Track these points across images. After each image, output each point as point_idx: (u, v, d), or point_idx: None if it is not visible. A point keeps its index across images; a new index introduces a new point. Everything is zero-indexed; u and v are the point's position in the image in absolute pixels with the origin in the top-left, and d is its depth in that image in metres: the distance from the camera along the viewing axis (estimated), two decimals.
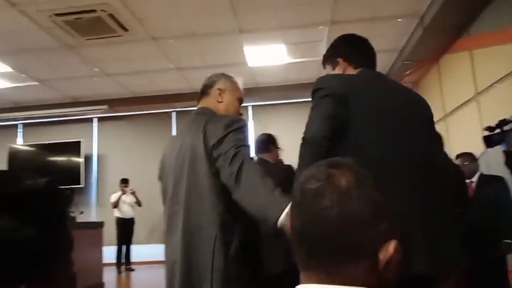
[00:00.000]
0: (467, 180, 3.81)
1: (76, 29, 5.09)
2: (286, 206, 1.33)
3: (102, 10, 4.67)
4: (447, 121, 6.12)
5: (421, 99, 1.63)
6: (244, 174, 1.48)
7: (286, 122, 7.53)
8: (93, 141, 8.93)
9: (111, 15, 4.81)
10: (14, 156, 8.55)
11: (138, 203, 7.61)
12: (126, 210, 7.60)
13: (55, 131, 8.82)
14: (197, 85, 1.96)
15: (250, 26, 5.38)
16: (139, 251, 7.74)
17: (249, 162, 1.54)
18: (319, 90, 1.44)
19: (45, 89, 7.41)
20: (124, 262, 7.55)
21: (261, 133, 3.46)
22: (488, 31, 4.67)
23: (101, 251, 6.09)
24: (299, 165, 1.37)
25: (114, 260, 7.41)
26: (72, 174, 8.28)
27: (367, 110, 1.39)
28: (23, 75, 6.67)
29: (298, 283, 0.68)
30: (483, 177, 3.84)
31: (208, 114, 1.75)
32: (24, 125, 9.06)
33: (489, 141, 3.38)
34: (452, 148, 4.09)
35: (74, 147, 8.48)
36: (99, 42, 5.56)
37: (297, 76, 7.28)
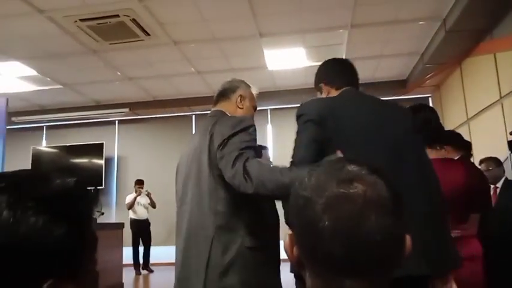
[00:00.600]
0: (492, 186, 3.73)
1: (100, 33, 5.21)
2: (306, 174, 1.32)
3: (125, 15, 4.77)
4: (470, 125, 6.01)
5: (401, 111, 1.73)
6: (251, 168, 1.47)
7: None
8: (114, 143, 9.09)
9: (134, 20, 4.90)
10: (38, 158, 8.77)
11: (153, 204, 7.64)
12: (140, 212, 7.63)
13: (77, 133, 9.01)
14: (217, 89, 1.99)
15: (270, 29, 5.40)
16: (157, 253, 7.81)
17: (253, 159, 1.52)
18: (301, 116, 1.59)
19: (69, 93, 7.59)
20: (143, 264, 7.61)
21: None
22: None
23: (121, 252, 6.17)
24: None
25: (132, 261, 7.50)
26: (93, 175, 8.44)
27: (344, 128, 1.53)
28: (48, 79, 6.84)
29: None
30: (508, 183, 3.75)
31: (219, 116, 1.77)
32: (48, 127, 9.27)
33: None
34: (476, 153, 4.00)
35: (96, 149, 8.64)
36: (122, 47, 5.67)
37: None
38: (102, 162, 8.61)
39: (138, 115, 8.78)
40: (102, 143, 8.67)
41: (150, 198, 7.63)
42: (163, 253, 7.79)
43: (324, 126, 1.53)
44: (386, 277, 0.63)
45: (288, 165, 1.54)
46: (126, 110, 8.26)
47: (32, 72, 6.47)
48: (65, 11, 4.67)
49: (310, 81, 7.40)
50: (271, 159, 4.78)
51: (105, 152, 8.67)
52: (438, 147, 1.94)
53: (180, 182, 1.79)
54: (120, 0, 4.50)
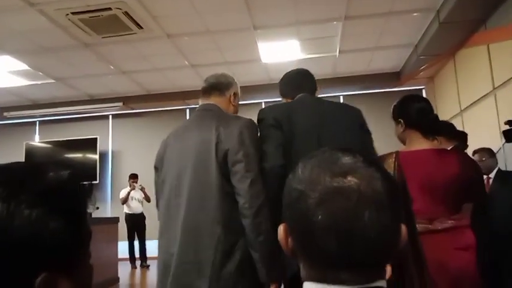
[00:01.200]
0: (485, 176, 3.76)
1: (92, 27, 5.16)
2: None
3: (118, 8, 4.72)
4: (463, 116, 6.04)
5: (348, 110, 2.01)
6: (252, 201, 1.61)
7: None
8: (109, 138, 9.04)
9: (127, 13, 4.85)
10: (31, 153, 8.70)
11: (147, 198, 7.61)
12: (135, 206, 7.60)
13: (71, 128, 8.95)
14: (208, 79, 1.98)
15: (264, 22, 5.38)
16: (152, 246, 7.80)
17: (256, 182, 1.63)
18: (262, 120, 1.84)
19: (62, 87, 7.52)
20: (139, 258, 7.60)
21: None
22: (506, 25, 4.59)
23: (116, 246, 6.17)
24: (268, 194, 1.63)
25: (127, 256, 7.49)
26: (87, 170, 8.40)
27: (294, 129, 1.77)
28: (40, 73, 6.78)
29: None
30: (501, 173, 3.79)
31: (217, 112, 1.81)
32: (41, 122, 9.21)
33: (509, 136, 3.34)
34: (469, 144, 4.03)
35: (90, 144, 8.59)
36: (114, 40, 5.62)
37: (311, 72, 7.24)
38: (96, 157, 8.57)
39: (132, 109, 8.74)
40: (96, 138, 8.62)
41: (144, 193, 7.61)
42: (157, 247, 7.79)
43: (280, 128, 1.77)
44: (381, 268, 0.63)
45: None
46: (120, 104, 8.22)
47: (24, 66, 6.41)
48: (57, 4, 4.61)
49: None
50: None
51: (99, 147, 8.62)
52: (431, 138, 1.96)
53: (170, 173, 1.76)
54: None
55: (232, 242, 1.61)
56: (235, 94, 1.93)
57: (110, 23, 5.05)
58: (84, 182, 7.93)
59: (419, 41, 6.08)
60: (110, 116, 9.06)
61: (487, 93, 5.18)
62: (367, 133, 1.95)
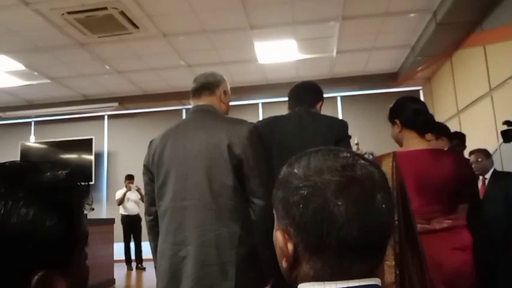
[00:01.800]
0: (481, 177, 3.76)
1: (87, 26, 5.13)
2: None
3: (113, 7, 4.70)
4: (460, 117, 6.05)
5: (327, 123, 2.18)
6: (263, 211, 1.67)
7: None
8: (104, 138, 9.00)
9: (122, 13, 4.83)
10: (26, 154, 8.65)
11: (143, 199, 7.56)
12: (131, 207, 7.56)
13: (66, 128, 8.91)
14: (198, 79, 1.96)
15: (261, 21, 5.36)
16: (148, 248, 7.75)
17: (268, 187, 1.68)
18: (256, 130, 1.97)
19: (57, 87, 7.48)
20: (135, 260, 7.57)
21: None
22: (502, 26, 4.59)
23: (112, 248, 6.14)
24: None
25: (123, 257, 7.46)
26: (83, 171, 8.35)
27: (276, 140, 1.97)
28: (35, 73, 6.73)
29: None
30: (497, 174, 3.79)
31: (218, 114, 1.83)
32: (36, 122, 9.16)
33: (506, 136, 3.34)
34: (466, 144, 4.04)
35: (85, 145, 8.55)
36: (110, 40, 5.59)
37: (308, 72, 7.24)
38: (91, 157, 8.53)
39: (128, 109, 8.70)
40: (92, 138, 8.57)
41: (141, 194, 7.55)
42: None
43: (267, 140, 1.95)
44: (383, 259, 0.67)
45: None
46: (116, 104, 8.18)
47: (19, 66, 6.37)
48: (52, 3, 4.58)
49: (301, 74, 7.43)
50: None
51: (95, 147, 8.58)
52: (428, 138, 1.96)
53: (174, 177, 1.72)
54: None
55: (248, 241, 1.65)
56: (225, 92, 1.92)
57: (106, 23, 5.02)
58: (82, 183, 7.88)
59: (416, 42, 6.09)
60: (106, 116, 9.02)
61: (484, 94, 5.18)
62: (344, 145, 2.07)
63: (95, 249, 5.43)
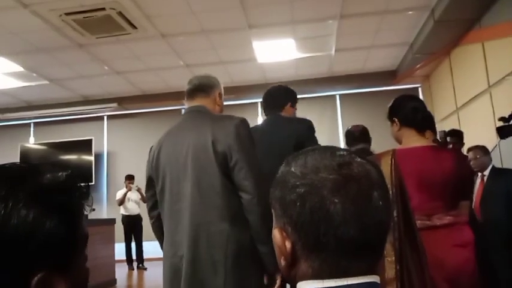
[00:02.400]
0: (479, 174, 3.77)
1: (86, 27, 5.13)
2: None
3: (112, 8, 4.70)
4: (459, 114, 6.06)
5: (287, 126, 2.28)
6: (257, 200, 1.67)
7: None
8: (104, 139, 9.00)
9: (120, 13, 4.82)
10: (26, 155, 8.65)
11: (144, 199, 7.56)
12: (131, 208, 7.56)
13: (66, 129, 8.90)
14: (193, 81, 1.98)
15: (259, 21, 5.36)
16: (149, 248, 7.77)
17: (261, 178, 1.69)
18: None
19: (56, 88, 7.48)
20: (136, 260, 7.57)
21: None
22: (501, 23, 4.60)
23: (113, 248, 6.15)
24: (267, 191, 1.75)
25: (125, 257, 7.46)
26: (83, 171, 8.35)
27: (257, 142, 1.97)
28: (34, 75, 6.73)
29: None
30: (496, 171, 3.79)
31: (208, 112, 1.84)
32: (36, 123, 9.15)
33: (502, 132, 3.34)
34: (465, 141, 4.04)
35: (85, 145, 8.55)
36: (109, 41, 5.59)
37: (307, 71, 7.25)
38: (91, 158, 8.53)
39: (127, 110, 8.70)
40: (91, 139, 8.57)
41: (141, 194, 7.56)
42: (155, 248, 7.76)
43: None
44: (381, 256, 0.68)
45: None
46: (115, 104, 8.18)
47: (18, 68, 6.37)
48: (50, 4, 4.58)
49: (300, 73, 7.43)
50: None
51: (95, 148, 8.58)
52: (427, 136, 1.98)
53: (169, 180, 1.76)
54: None
55: (239, 237, 1.66)
56: (220, 94, 1.95)
57: (104, 24, 5.02)
58: (82, 184, 7.89)
59: (414, 40, 6.09)
60: (105, 117, 9.01)
61: (483, 91, 5.19)
62: (307, 146, 2.10)
63: (96, 250, 5.43)
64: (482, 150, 3.88)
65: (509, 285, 3.07)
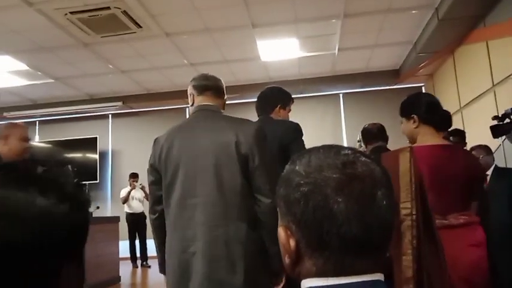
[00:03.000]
0: None
1: (91, 26, 5.15)
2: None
3: (116, 7, 4.72)
4: (463, 113, 6.04)
5: (272, 130, 2.19)
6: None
7: (299, 116, 7.51)
8: (108, 137, 9.04)
9: (125, 12, 4.85)
10: (31, 153, 8.67)
11: (147, 197, 7.56)
12: (135, 206, 7.60)
13: (71, 127, 8.95)
14: (210, 79, 2.00)
15: (263, 20, 5.37)
16: (153, 246, 7.77)
17: (275, 185, 1.76)
18: None
19: (61, 87, 7.52)
20: (140, 257, 7.60)
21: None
22: (505, 21, 4.58)
23: (117, 246, 6.18)
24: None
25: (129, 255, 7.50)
26: (88, 170, 8.40)
27: None
28: (39, 73, 6.77)
29: None
30: (499, 170, 3.79)
31: (223, 114, 1.89)
32: (41, 122, 9.20)
33: (495, 131, 3.34)
34: (468, 141, 4.03)
35: (90, 144, 8.60)
36: (113, 39, 5.61)
37: (310, 70, 7.26)
38: (96, 156, 8.57)
39: (132, 108, 8.73)
40: (96, 137, 8.62)
41: (145, 192, 7.58)
42: None
43: None
44: (384, 255, 0.66)
45: None
46: (120, 103, 8.21)
47: (23, 66, 6.40)
48: (55, 3, 4.61)
49: (303, 72, 7.43)
50: None
51: (99, 146, 8.62)
52: (440, 133, 1.96)
53: (182, 175, 1.75)
54: None
55: (254, 237, 1.70)
56: (225, 101, 2.00)
57: (109, 22, 5.05)
58: (84, 182, 7.96)
59: (418, 38, 6.08)
60: (110, 116, 9.05)
61: (487, 90, 5.17)
62: (293, 148, 2.12)
63: (100, 248, 5.47)
64: (485, 149, 3.88)
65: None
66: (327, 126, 8.04)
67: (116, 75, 7.09)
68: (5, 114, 8.44)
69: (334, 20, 5.45)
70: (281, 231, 0.68)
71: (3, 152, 2.63)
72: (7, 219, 0.54)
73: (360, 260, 0.63)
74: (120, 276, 6.15)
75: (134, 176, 7.63)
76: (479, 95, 5.42)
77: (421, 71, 7.08)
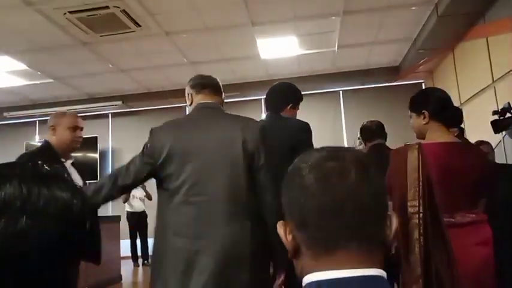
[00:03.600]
0: None
1: (90, 26, 5.15)
2: None
3: (115, 6, 4.71)
4: (463, 109, 6.03)
5: (288, 126, 2.32)
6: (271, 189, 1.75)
7: (298, 113, 7.50)
8: (108, 136, 9.04)
9: (124, 11, 4.84)
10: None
11: (148, 196, 7.58)
12: (136, 205, 7.59)
13: None
14: (212, 78, 2.01)
15: (262, 18, 5.36)
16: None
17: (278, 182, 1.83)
18: None
19: (61, 86, 7.52)
20: (141, 256, 7.61)
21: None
22: (505, 17, 4.57)
23: (118, 245, 6.18)
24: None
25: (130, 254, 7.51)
26: (88, 169, 8.40)
27: None
28: (39, 73, 6.77)
29: None
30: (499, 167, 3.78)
31: (226, 112, 1.90)
32: (41, 122, 9.19)
33: (495, 127, 3.33)
34: (469, 137, 4.03)
35: (90, 143, 8.58)
36: (113, 39, 5.61)
37: (310, 67, 7.25)
38: (96, 155, 8.58)
39: (132, 107, 8.73)
40: (96, 137, 8.61)
41: (145, 191, 7.60)
42: None
43: None
44: (377, 248, 0.66)
45: None
46: (119, 102, 8.21)
47: (22, 66, 6.40)
48: (54, 3, 4.60)
49: (303, 69, 7.42)
50: None
51: (99, 146, 8.63)
52: (452, 131, 1.95)
53: (187, 169, 1.72)
54: None
55: (259, 234, 1.71)
56: (222, 103, 2.02)
57: (108, 21, 5.04)
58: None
59: (418, 35, 6.07)
60: (110, 115, 9.05)
61: (487, 86, 5.17)
62: (301, 149, 2.15)
63: (102, 247, 5.46)
64: (485, 145, 3.87)
65: None
66: (327, 124, 8.03)
67: (115, 75, 7.09)
68: (5, 114, 8.44)
69: (333, 17, 5.44)
70: (280, 227, 0.70)
71: (54, 143, 2.55)
72: (38, 216, 0.55)
73: (344, 243, 0.63)
74: (121, 275, 6.16)
75: None
76: (479, 91, 5.41)
77: (421, 67, 7.08)
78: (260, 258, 1.70)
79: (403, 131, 4.14)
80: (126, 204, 7.61)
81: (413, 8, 5.28)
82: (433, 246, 1.51)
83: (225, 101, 2.03)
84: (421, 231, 1.49)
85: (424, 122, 1.93)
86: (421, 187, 1.51)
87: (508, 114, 3.31)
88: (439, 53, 6.41)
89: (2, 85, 7.12)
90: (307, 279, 0.65)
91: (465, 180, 1.79)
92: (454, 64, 6.24)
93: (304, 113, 2.69)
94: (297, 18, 5.42)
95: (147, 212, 7.66)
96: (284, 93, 2.52)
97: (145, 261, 7.52)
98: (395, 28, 5.85)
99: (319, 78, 7.60)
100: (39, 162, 0.63)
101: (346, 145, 7.76)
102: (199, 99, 1.91)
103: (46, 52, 5.96)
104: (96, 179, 8.43)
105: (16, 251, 0.53)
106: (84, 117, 9.47)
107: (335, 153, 0.68)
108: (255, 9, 5.09)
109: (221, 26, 5.51)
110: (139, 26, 5.24)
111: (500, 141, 4.67)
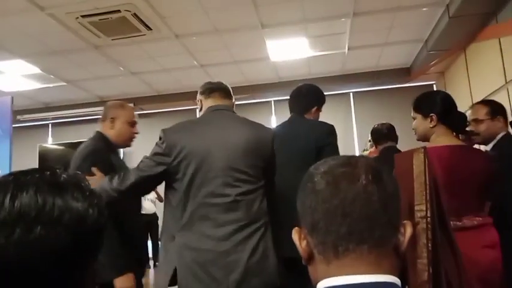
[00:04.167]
0: None
1: (102, 29, 5.21)
2: None
3: (127, 10, 4.76)
4: None
5: (314, 129, 2.35)
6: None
7: None
8: None
9: (135, 15, 4.89)
10: (44, 155, 8.81)
11: (160, 198, 7.60)
12: (147, 207, 7.60)
13: (83, 129, 9.02)
14: (223, 83, 2.04)
15: (272, 20, 5.37)
16: None
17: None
18: None
19: (73, 89, 7.61)
20: (152, 258, 7.64)
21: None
22: None
23: None
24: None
25: None
26: None
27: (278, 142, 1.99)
28: (52, 76, 6.86)
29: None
30: None
31: (234, 113, 1.95)
32: (53, 124, 9.31)
33: None
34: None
35: None
36: (124, 42, 5.66)
37: (320, 69, 7.23)
38: None
39: (142, 110, 8.79)
40: None
41: (157, 192, 7.62)
42: None
43: None
44: (391, 253, 0.66)
45: None
46: (131, 105, 8.25)
47: (36, 70, 6.49)
48: (67, 7, 4.67)
49: (313, 71, 7.40)
50: None
51: None
52: (455, 134, 1.95)
53: (204, 172, 1.71)
54: None
55: (269, 236, 1.78)
56: (234, 100, 2.08)
57: (119, 25, 5.09)
58: None
59: (429, 36, 6.02)
60: None
61: (499, 88, 5.11)
62: (327, 151, 2.20)
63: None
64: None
65: None
66: (337, 126, 7.86)
67: (126, 78, 7.15)
68: (18, 117, 8.56)
69: (343, 19, 5.43)
70: (294, 233, 0.71)
71: (111, 136, 2.30)
72: (51, 226, 0.56)
73: (354, 248, 0.64)
74: None
75: None
76: (491, 93, 5.35)
77: (432, 68, 7.02)
78: (279, 249, 1.77)
79: (414, 134, 4.11)
80: None
81: (424, 8, 5.25)
82: (441, 251, 1.49)
83: (236, 103, 2.04)
84: (429, 236, 1.47)
85: (431, 125, 1.92)
86: (428, 191, 1.50)
87: None
88: (451, 54, 6.35)
89: (16, 89, 7.23)
90: (321, 285, 0.66)
91: (472, 183, 1.79)
92: (466, 65, 6.18)
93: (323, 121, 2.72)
94: (307, 20, 5.42)
95: (159, 214, 7.69)
96: (311, 95, 2.55)
97: (156, 263, 7.54)
98: (406, 29, 5.81)
99: (329, 80, 7.57)
100: (57, 169, 0.65)
101: (356, 147, 7.73)
102: (210, 103, 1.93)
103: (59, 56, 6.04)
104: None
105: (30, 260, 0.53)
106: (96, 120, 9.51)
107: (348, 159, 0.70)
108: (264, 11, 5.11)
109: (231, 29, 5.53)
110: (150, 29, 5.29)
111: None
